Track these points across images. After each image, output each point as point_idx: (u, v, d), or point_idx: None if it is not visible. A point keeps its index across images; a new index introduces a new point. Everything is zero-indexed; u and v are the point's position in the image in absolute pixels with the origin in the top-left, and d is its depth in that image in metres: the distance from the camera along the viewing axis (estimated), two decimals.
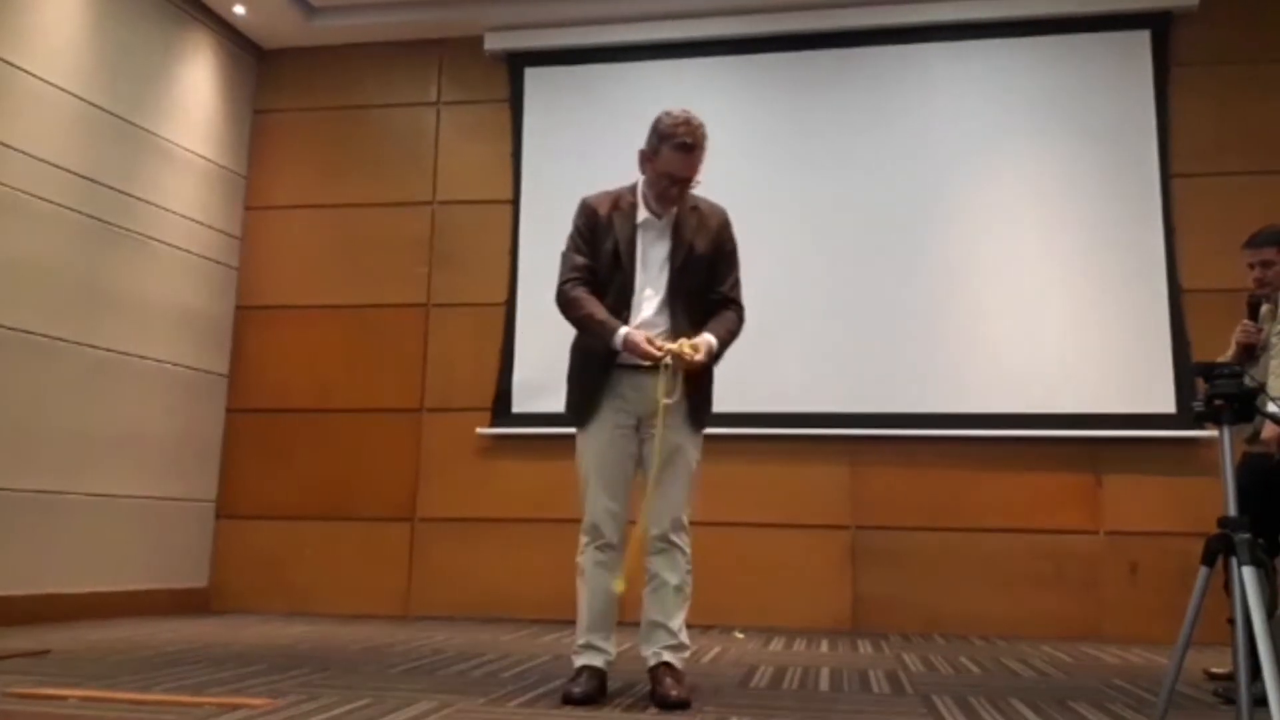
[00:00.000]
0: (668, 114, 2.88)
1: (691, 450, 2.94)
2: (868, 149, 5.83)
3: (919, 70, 5.87)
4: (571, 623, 2.99)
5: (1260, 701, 2.20)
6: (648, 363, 2.80)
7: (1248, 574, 2.26)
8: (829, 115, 5.91)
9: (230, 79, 6.36)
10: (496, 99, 6.31)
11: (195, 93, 6.06)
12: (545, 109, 6.20)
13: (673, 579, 2.87)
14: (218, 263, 6.20)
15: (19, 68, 4.83)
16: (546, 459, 5.54)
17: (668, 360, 2.79)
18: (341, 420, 6.10)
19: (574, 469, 2.99)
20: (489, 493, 5.84)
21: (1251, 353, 3.50)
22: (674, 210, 2.95)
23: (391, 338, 6.14)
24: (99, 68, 5.32)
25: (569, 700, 2.77)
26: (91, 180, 5.23)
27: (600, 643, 2.90)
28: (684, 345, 2.80)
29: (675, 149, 2.83)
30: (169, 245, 5.78)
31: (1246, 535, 2.31)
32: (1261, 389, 2.71)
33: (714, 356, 2.89)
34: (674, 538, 2.88)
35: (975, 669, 3.85)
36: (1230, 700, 3.03)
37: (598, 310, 2.87)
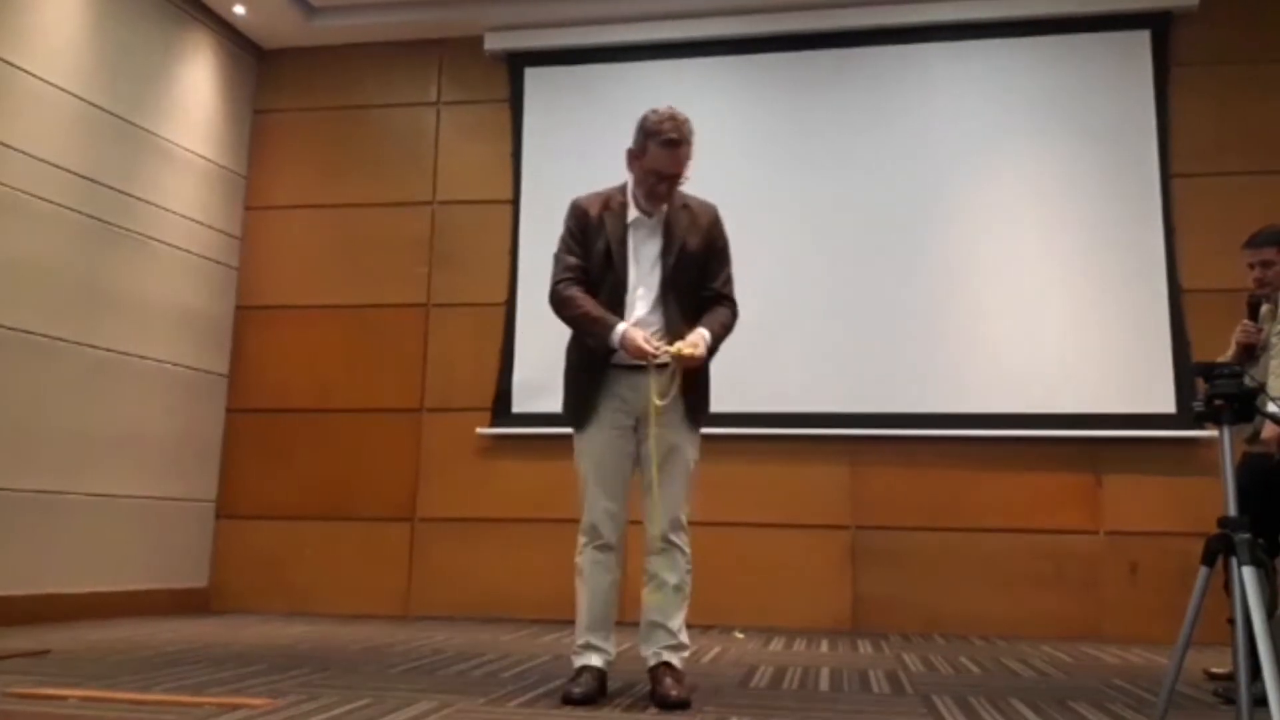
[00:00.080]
0: (653, 111, 2.88)
1: (689, 450, 2.94)
2: (868, 149, 5.83)
3: (919, 70, 5.87)
4: (571, 623, 2.99)
5: (1260, 701, 2.20)
6: (643, 362, 2.79)
7: (1248, 574, 2.26)
8: (829, 115, 5.91)
9: (230, 79, 6.36)
10: (496, 99, 6.31)
11: (195, 93, 6.06)
12: (545, 109, 6.20)
13: (672, 579, 2.87)
14: (218, 263, 6.20)
15: (19, 68, 4.83)
16: (546, 459, 5.54)
17: (665, 359, 2.79)
18: (341, 420, 6.10)
19: (574, 469, 2.99)
20: (489, 493, 5.84)
21: (1251, 353, 3.50)
22: (664, 208, 2.95)
23: (391, 338, 6.14)
24: (99, 68, 5.32)
25: (569, 700, 2.77)
26: (91, 180, 5.23)
27: (600, 642, 2.90)
28: (681, 348, 2.80)
29: (662, 146, 2.83)
30: (169, 245, 5.78)
31: (1246, 535, 2.31)
32: (1261, 389, 2.71)
33: (709, 351, 2.89)
34: (673, 537, 2.88)
35: (975, 669, 3.85)
36: (1230, 700, 3.03)
37: (593, 308, 2.87)
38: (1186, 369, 5.24)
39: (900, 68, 5.89)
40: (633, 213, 2.96)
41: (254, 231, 6.41)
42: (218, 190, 6.22)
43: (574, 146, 5.95)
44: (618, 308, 2.89)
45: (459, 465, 5.93)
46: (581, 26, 6.15)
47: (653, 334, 2.84)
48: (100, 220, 5.28)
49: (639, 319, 2.88)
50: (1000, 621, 5.27)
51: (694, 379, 2.91)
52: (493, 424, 5.91)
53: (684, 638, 2.90)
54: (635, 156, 2.92)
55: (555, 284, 2.95)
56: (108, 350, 5.30)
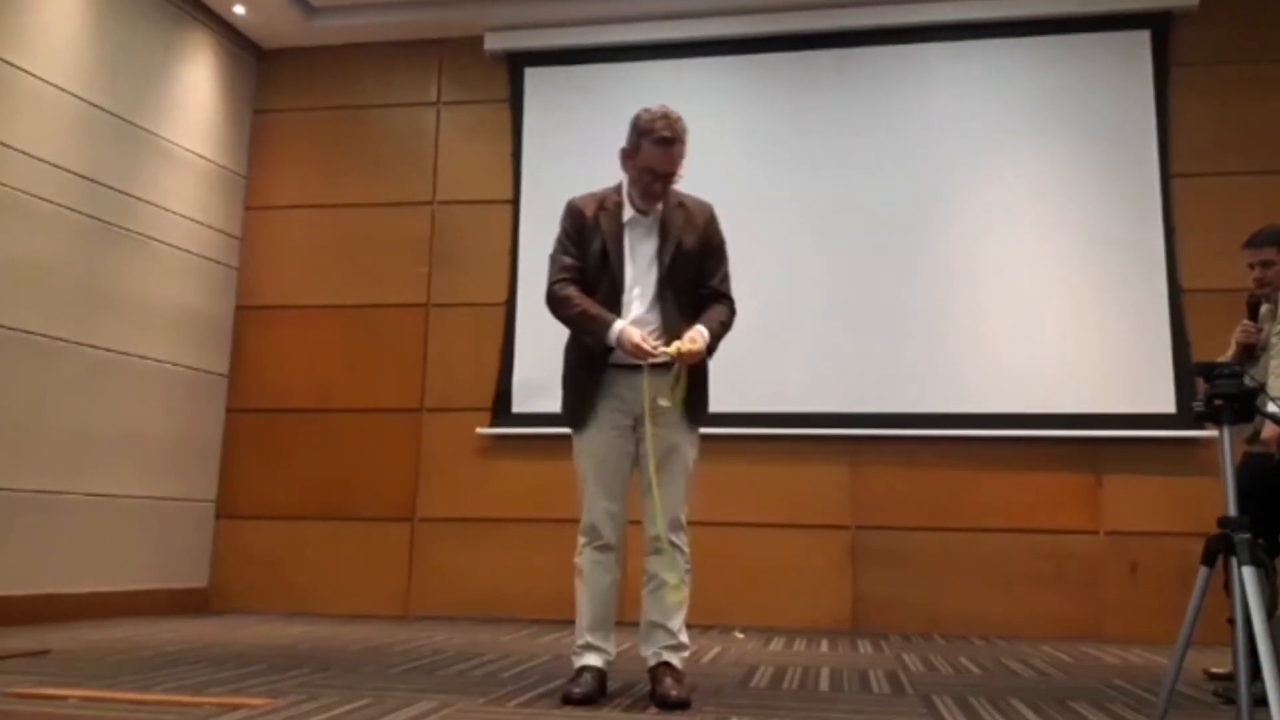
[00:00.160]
0: (646, 110, 2.89)
1: (689, 449, 2.94)
2: (868, 149, 5.83)
3: (919, 70, 5.87)
4: (571, 623, 2.98)
5: (1260, 701, 2.20)
6: (640, 361, 2.79)
7: (1248, 574, 2.26)
8: (829, 115, 5.91)
9: (230, 79, 6.36)
10: (496, 99, 6.31)
11: (195, 93, 6.06)
12: (545, 109, 6.20)
13: (672, 579, 2.87)
14: (218, 263, 6.20)
15: (19, 68, 4.83)
16: (546, 459, 5.54)
17: (663, 359, 2.79)
18: (341, 420, 6.10)
19: (573, 469, 2.99)
20: (489, 493, 5.84)
21: (1251, 353, 3.50)
22: (660, 207, 2.95)
23: (391, 338, 6.14)
24: (99, 68, 5.32)
25: (569, 700, 2.77)
26: (91, 180, 5.23)
27: (600, 643, 2.90)
28: (680, 345, 2.80)
29: (655, 144, 2.84)
30: (169, 245, 5.78)
31: (1246, 535, 2.31)
32: (1261, 389, 2.71)
33: (709, 349, 2.88)
34: (672, 538, 2.87)
35: (975, 669, 3.85)
36: (1230, 700, 3.03)
37: (590, 306, 2.87)
38: (1186, 369, 5.24)
39: (900, 68, 5.89)
40: (628, 212, 2.96)
41: (254, 231, 6.41)
42: (218, 190, 6.22)
43: (574, 146, 5.95)
44: (615, 307, 2.89)
45: (459, 465, 5.93)
46: (581, 26, 6.15)
47: (650, 333, 2.84)
48: (100, 220, 5.28)
49: (636, 318, 2.88)
50: (1000, 621, 5.27)
51: (693, 378, 2.91)
52: (493, 424, 5.91)
53: (684, 638, 2.90)
54: (629, 155, 2.92)
55: (552, 284, 2.95)
56: (108, 350, 5.31)
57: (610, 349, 2.85)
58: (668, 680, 2.79)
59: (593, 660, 2.89)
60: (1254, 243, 3.57)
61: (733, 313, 3.01)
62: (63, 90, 5.08)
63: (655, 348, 2.79)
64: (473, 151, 6.28)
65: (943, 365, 5.52)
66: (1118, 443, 5.33)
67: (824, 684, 3.35)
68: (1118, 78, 5.67)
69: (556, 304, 2.93)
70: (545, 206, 6.01)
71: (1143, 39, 5.68)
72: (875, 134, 5.84)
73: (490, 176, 6.20)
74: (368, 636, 4.53)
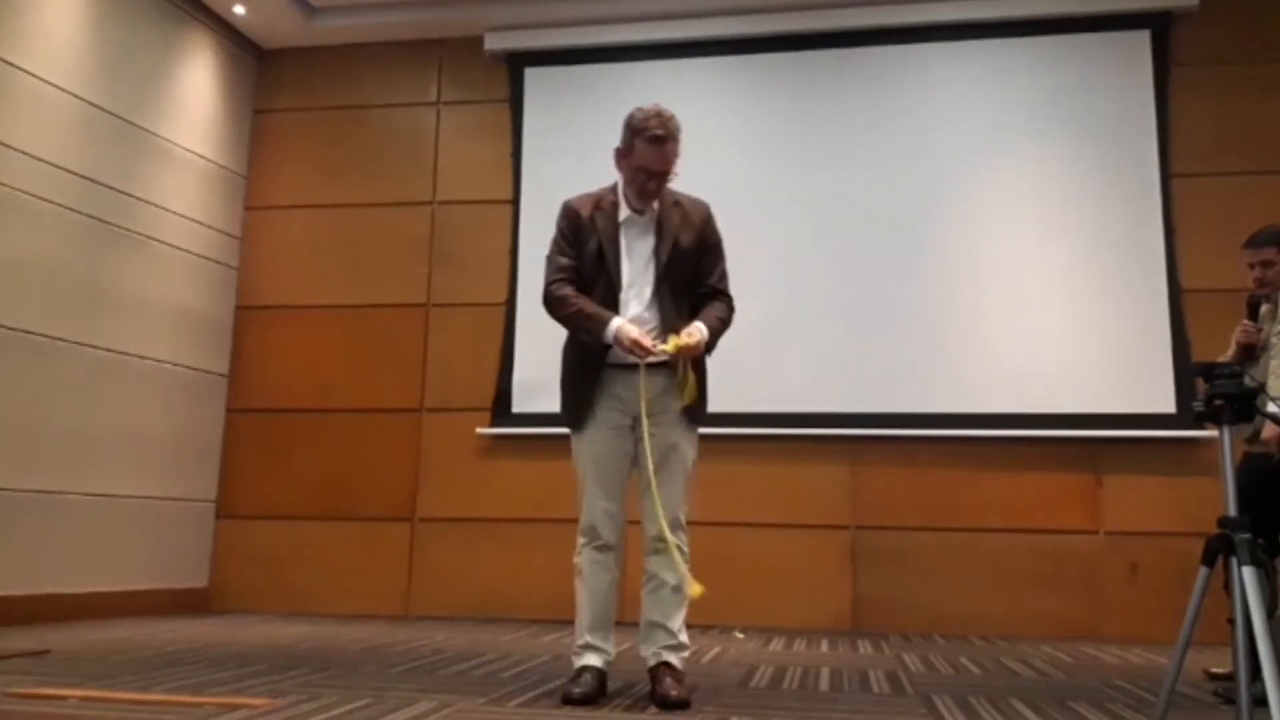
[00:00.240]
0: (639, 109, 2.89)
1: (688, 449, 2.94)
2: (868, 149, 5.83)
3: (919, 70, 5.87)
4: (571, 623, 2.98)
5: (1260, 701, 2.20)
6: (637, 359, 2.79)
7: (1248, 574, 2.26)
8: (829, 115, 5.91)
9: (230, 79, 6.36)
10: (496, 99, 6.31)
11: (195, 93, 6.06)
12: (545, 109, 6.20)
13: (671, 579, 2.87)
14: (218, 263, 6.20)
15: (19, 68, 4.83)
16: (546, 459, 5.54)
17: (663, 357, 2.79)
18: (341, 420, 6.10)
19: (573, 469, 2.99)
20: (489, 493, 5.84)
21: (1251, 353, 3.50)
22: (656, 206, 2.95)
23: (391, 338, 6.14)
24: (99, 68, 5.32)
25: (569, 700, 2.77)
26: (91, 180, 5.23)
27: (600, 643, 2.90)
28: (676, 342, 2.79)
29: (649, 142, 2.84)
30: (169, 245, 5.78)
31: (1246, 535, 2.31)
32: (1261, 389, 2.71)
33: (708, 345, 2.88)
34: (668, 537, 2.87)
35: (975, 669, 3.85)
36: (1230, 700, 3.03)
37: (586, 305, 2.87)
38: (1186, 369, 5.24)
39: (900, 68, 5.89)
40: (624, 211, 2.96)
41: (254, 231, 6.41)
42: (218, 190, 6.22)
43: (574, 146, 5.94)
44: (612, 306, 2.89)
45: (459, 465, 5.93)
46: (581, 26, 6.15)
47: (648, 331, 2.84)
48: (100, 220, 5.29)
49: (634, 317, 2.88)
50: (1000, 621, 5.27)
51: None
52: (493, 424, 5.91)
53: (684, 638, 2.90)
54: (623, 155, 2.92)
55: (548, 285, 2.95)
56: (108, 350, 5.31)
57: (608, 348, 2.85)
58: (668, 680, 2.79)
59: (593, 660, 2.89)
60: (1254, 243, 3.57)
61: (731, 310, 3.01)
62: (63, 90, 5.08)
63: (653, 344, 2.79)
64: (473, 151, 6.28)
65: (943, 365, 5.52)
66: (1118, 443, 5.33)
67: (824, 684, 3.35)
68: (1118, 78, 5.67)
69: (553, 304, 2.93)
70: (545, 206, 5.99)
71: (1143, 39, 5.67)
72: (875, 134, 5.84)
73: (490, 176, 6.20)
74: (368, 636, 4.53)
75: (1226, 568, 2.37)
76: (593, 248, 2.94)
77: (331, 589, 5.88)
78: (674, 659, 2.86)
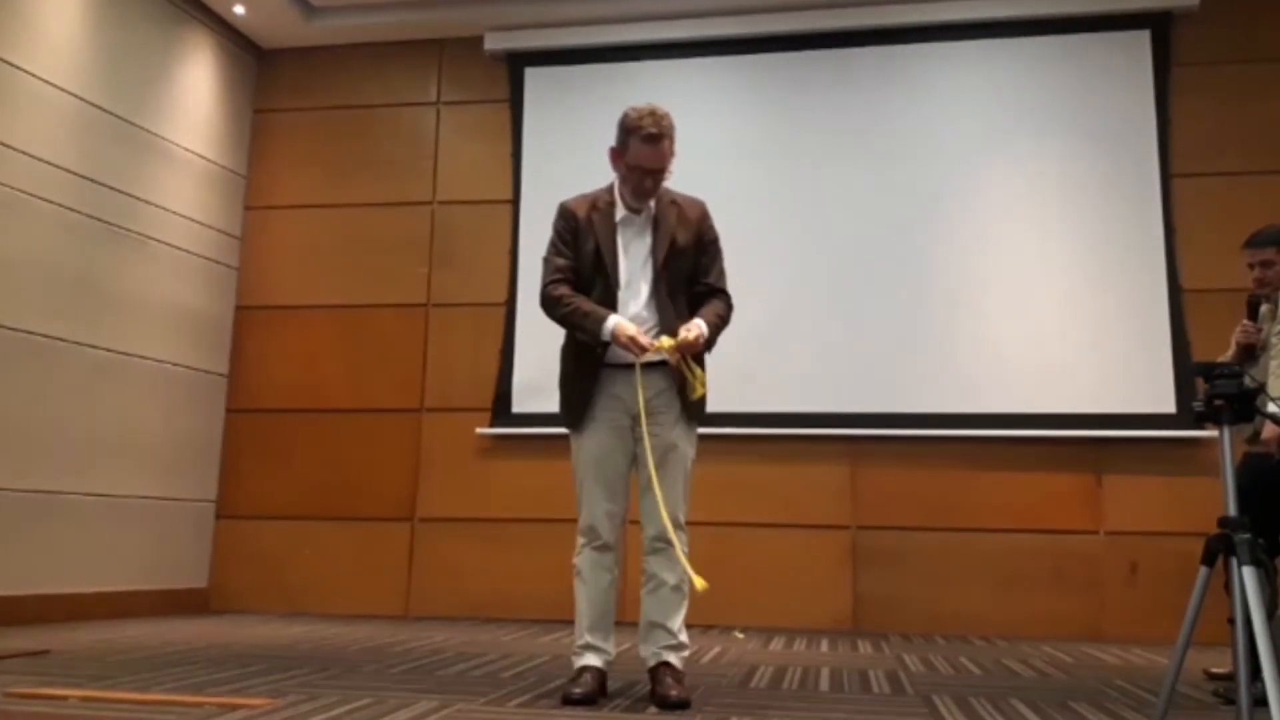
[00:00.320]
0: (633, 108, 2.89)
1: (687, 448, 2.94)
2: (868, 149, 5.83)
3: (919, 70, 5.87)
4: (571, 623, 2.98)
5: (1260, 701, 2.20)
6: (635, 356, 2.79)
7: (1248, 574, 2.26)
8: (829, 115, 5.91)
9: (230, 79, 6.36)
10: (496, 99, 6.31)
11: (195, 93, 6.06)
12: (545, 109, 6.20)
13: (670, 579, 2.87)
14: (218, 263, 6.20)
15: (19, 68, 4.83)
16: (546, 459, 5.54)
17: (662, 355, 2.79)
18: (342, 420, 6.10)
19: (572, 469, 2.99)
20: (489, 493, 5.84)
21: (1251, 353, 3.50)
22: (652, 205, 2.96)
23: (391, 338, 6.14)
24: (99, 68, 5.32)
25: (569, 700, 2.77)
26: (91, 180, 5.23)
27: (600, 643, 2.90)
28: (672, 340, 2.79)
29: (643, 141, 2.84)
30: (169, 245, 5.78)
31: (1246, 535, 2.31)
32: (1261, 389, 2.71)
33: (708, 341, 2.88)
34: (671, 537, 2.87)
35: (975, 669, 3.85)
36: (1230, 700, 3.03)
37: (583, 304, 2.87)
38: (1186, 369, 5.24)
39: (900, 68, 5.89)
40: (620, 211, 2.96)
41: (254, 231, 6.41)
42: (218, 190, 6.22)
43: (574, 146, 5.94)
44: (611, 306, 2.88)
45: (459, 465, 5.93)
46: (581, 26, 6.15)
47: (647, 330, 2.84)
48: (100, 220, 5.28)
49: (633, 316, 2.88)
50: (1000, 621, 5.27)
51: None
52: (492, 424, 5.91)
53: (684, 638, 2.90)
54: (618, 154, 2.93)
55: (545, 286, 2.95)
56: (108, 350, 5.30)
57: (606, 347, 2.85)
58: (668, 680, 2.79)
59: (593, 660, 2.88)
60: (1254, 243, 3.57)
61: (730, 307, 3.01)
62: (63, 90, 5.08)
63: (649, 341, 2.79)
64: (473, 151, 6.28)
65: (943, 365, 5.52)
66: (1118, 443, 5.33)
67: (824, 684, 3.35)
68: (1118, 78, 5.67)
69: (550, 304, 2.93)
70: (545, 206, 5.98)
71: (1143, 39, 5.67)
72: (875, 134, 5.84)
73: (490, 176, 6.20)
74: (368, 636, 4.53)
75: (1226, 568, 2.37)
76: (590, 248, 2.94)
77: (331, 589, 5.88)
78: (674, 659, 2.86)
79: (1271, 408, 2.82)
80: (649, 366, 2.84)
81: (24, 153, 4.83)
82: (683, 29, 6.06)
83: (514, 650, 4.07)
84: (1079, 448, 5.37)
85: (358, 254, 6.27)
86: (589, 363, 2.91)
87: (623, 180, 2.95)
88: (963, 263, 5.63)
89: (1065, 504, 5.36)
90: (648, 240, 2.95)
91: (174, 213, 5.82)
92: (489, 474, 5.88)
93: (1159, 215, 5.50)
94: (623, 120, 2.90)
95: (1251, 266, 3.56)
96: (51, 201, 4.98)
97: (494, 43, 6.25)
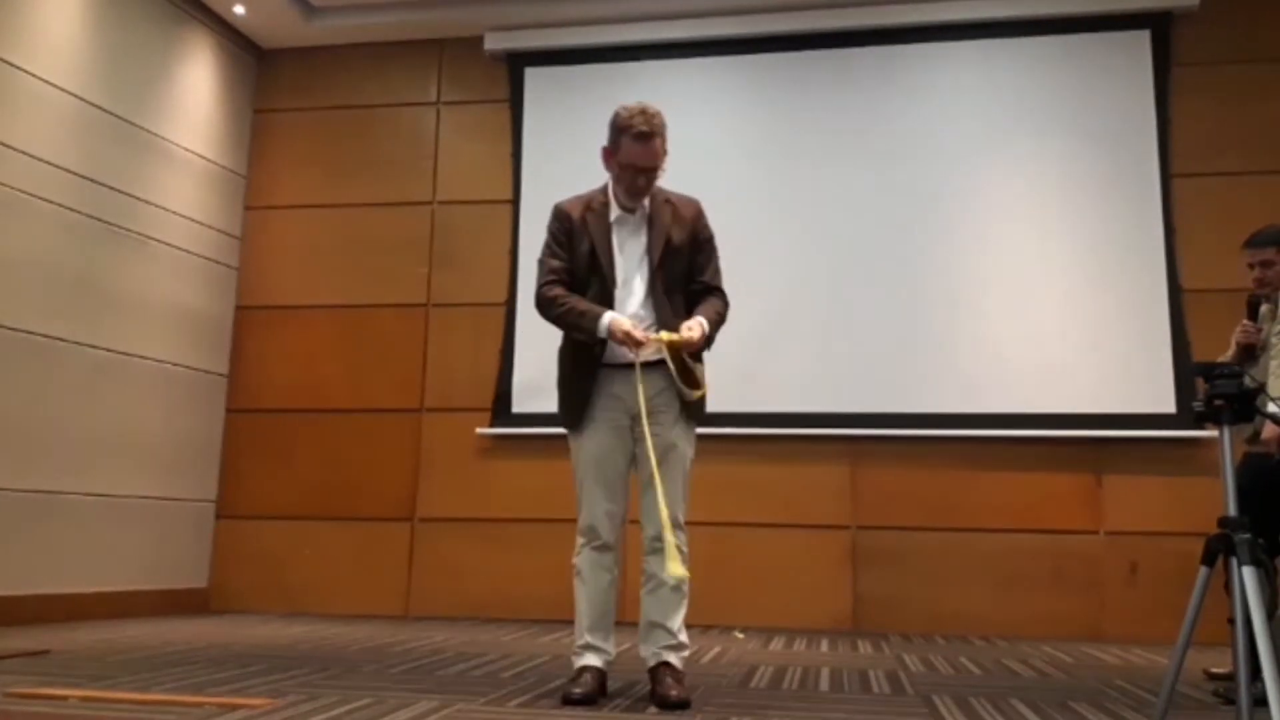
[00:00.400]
0: (624, 107, 2.89)
1: (686, 448, 2.94)
2: (868, 149, 5.83)
3: (919, 70, 5.87)
4: (571, 623, 2.98)
5: (1260, 701, 2.20)
6: (632, 354, 2.78)
7: (1248, 574, 2.26)
8: (829, 115, 5.91)
9: (230, 79, 6.36)
10: (496, 99, 6.31)
11: (195, 93, 6.06)
12: (545, 109, 6.20)
13: (670, 579, 2.87)
14: (218, 263, 6.20)
15: (19, 68, 4.83)
16: (546, 459, 5.53)
17: (661, 353, 2.79)
18: (341, 420, 6.10)
19: (572, 469, 2.99)
20: (489, 493, 5.84)
21: (1251, 353, 3.50)
22: (646, 204, 2.96)
23: (391, 338, 6.14)
24: (99, 68, 5.32)
25: (569, 700, 2.77)
26: (91, 180, 5.23)
27: (600, 643, 2.90)
28: (669, 335, 2.79)
29: (634, 140, 2.84)
30: (169, 245, 5.78)
31: (1246, 535, 2.31)
32: (1261, 389, 2.71)
33: (706, 339, 2.88)
34: (671, 537, 2.87)
35: (975, 669, 3.85)
36: (1230, 700, 3.03)
37: (579, 303, 2.88)
38: (1186, 369, 5.25)
39: (900, 68, 5.89)
40: (615, 211, 2.97)
41: (254, 231, 6.41)
42: (218, 190, 6.22)
43: (574, 146, 5.92)
44: (607, 306, 2.88)
45: (459, 465, 5.93)
46: (581, 26, 6.15)
47: (644, 329, 2.84)
48: (100, 220, 5.28)
49: (630, 314, 2.87)
50: (1000, 621, 5.27)
51: (692, 376, 2.91)
52: (492, 424, 5.90)
53: (684, 637, 2.90)
54: (610, 154, 2.93)
55: (540, 287, 2.96)
56: (108, 350, 5.30)
57: (604, 347, 2.86)
58: (668, 680, 2.79)
59: (593, 660, 2.88)
60: (1254, 243, 3.57)
61: (727, 305, 3.01)
62: (63, 90, 5.08)
63: (645, 336, 2.79)
64: (473, 151, 6.28)
65: (943, 365, 5.52)
66: (1118, 443, 5.33)
67: (824, 684, 3.35)
68: (1118, 78, 5.67)
69: (545, 305, 2.94)
70: (545, 207, 5.94)
71: (1143, 39, 5.67)
72: (875, 134, 5.84)
73: (490, 176, 6.20)
74: (368, 636, 4.53)
75: (1226, 568, 2.37)
76: (585, 249, 2.94)
77: (331, 589, 5.88)
78: (674, 659, 2.86)
79: (1271, 408, 2.82)
80: (648, 366, 2.84)
81: (24, 153, 4.83)
82: (683, 29, 6.06)
83: (514, 650, 4.07)
84: (1079, 448, 5.37)
85: (358, 254, 6.27)
86: (587, 363, 2.91)
87: (616, 180, 2.95)
88: (963, 263, 5.63)
89: (1065, 504, 5.36)
90: (643, 239, 2.95)
91: (174, 213, 5.82)
92: (489, 474, 5.88)
93: (1159, 215, 5.50)
94: (614, 119, 2.90)
95: (1251, 266, 3.56)
96: (51, 201, 4.98)
97: (494, 43, 6.25)
